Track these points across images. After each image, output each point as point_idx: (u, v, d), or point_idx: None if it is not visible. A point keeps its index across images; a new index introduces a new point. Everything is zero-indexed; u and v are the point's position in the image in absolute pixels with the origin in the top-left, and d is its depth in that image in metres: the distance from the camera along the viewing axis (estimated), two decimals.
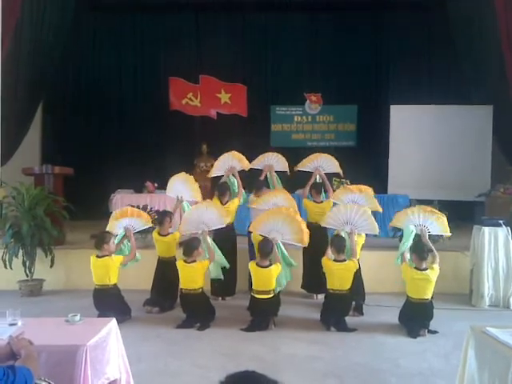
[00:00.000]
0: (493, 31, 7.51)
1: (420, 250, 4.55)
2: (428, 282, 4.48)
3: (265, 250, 4.70)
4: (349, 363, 3.86)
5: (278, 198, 5.55)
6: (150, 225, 5.42)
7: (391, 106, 9.34)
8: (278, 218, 4.96)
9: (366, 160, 9.75)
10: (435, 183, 8.83)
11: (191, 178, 5.94)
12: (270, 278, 4.66)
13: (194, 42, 10.70)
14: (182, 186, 5.80)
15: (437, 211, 5.05)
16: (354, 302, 5.04)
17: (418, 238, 4.80)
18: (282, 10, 10.45)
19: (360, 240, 5.19)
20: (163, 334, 4.49)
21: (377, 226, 5.10)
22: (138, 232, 6.25)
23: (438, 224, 4.93)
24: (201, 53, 10.53)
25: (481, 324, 2.85)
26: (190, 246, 4.74)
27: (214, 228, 5.18)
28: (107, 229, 5.15)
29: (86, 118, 10.39)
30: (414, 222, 4.90)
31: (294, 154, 7.40)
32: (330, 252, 4.76)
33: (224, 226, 5.26)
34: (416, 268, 4.53)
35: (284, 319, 4.86)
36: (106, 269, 4.75)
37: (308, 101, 10.54)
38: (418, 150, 9.17)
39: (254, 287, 4.73)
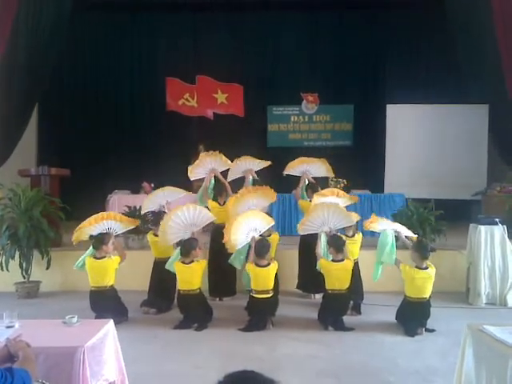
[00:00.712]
0: (489, 30, 7.53)
1: (423, 250, 4.56)
2: (429, 280, 4.50)
3: (261, 251, 4.69)
4: (347, 362, 3.87)
5: (255, 199, 5.48)
6: (134, 226, 5.41)
7: (387, 106, 9.36)
8: (248, 217, 5.02)
9: (363, 159, 9.78)
10: (431, 182, 8.86)
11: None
12: (268, 277, 4.66)
13: (191, 42, 10.68)
14: (167, 192, 5.77)
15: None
16: (351, 302, 5.05)
17: (420, 239, 4.82)
18: (278, 10, 10.44)
19: (358, 238, 5.21)
20: (160, 335, 4.49)
21: (352, 215, 5.13)
22: (134, 233, 6.29)
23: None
24: (197, 53, 10.52)
25: (478, 322, 2.87)
26: (187, 247, 4.74)
27: (202, 225, 5.16)
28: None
29: (82, 119, 10.35)
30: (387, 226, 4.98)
31: (291, 153, 7.41)
32: (328, 252, 4.78)
33: (211, 219, 5.24)
34: (417, 267, 4.53)
35: (282, 319, 4.86)
36: (105, 270, 4.74)
37: (305, 101, 10.56)
38: (414, 149, 9.19)
39: (252, 287, 4.72)
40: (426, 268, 4.52)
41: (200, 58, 10.42)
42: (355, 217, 5.22)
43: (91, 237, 4.93)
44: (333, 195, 5.55)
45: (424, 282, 4.50)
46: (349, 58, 10.54)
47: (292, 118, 10.66)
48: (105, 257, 4.76)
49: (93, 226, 5.02)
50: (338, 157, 6.54)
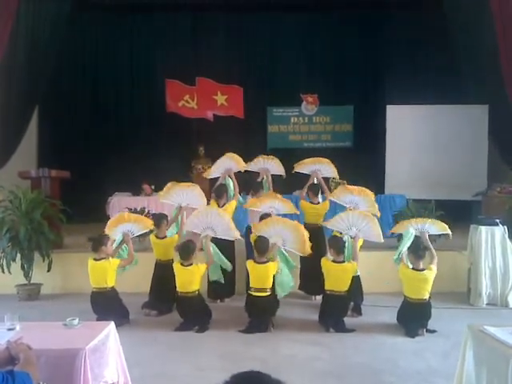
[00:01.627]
0: (489, 30, 7.54)
1: (417, 249, 4.60)
2: (425, 282, 4.50)
3: (261, 247, 4.71)
4: (348, 363, 3.87)
5: (275, 203, 5.57)
6: (150, 228, 5.38)
7: (387, 107, 9.36)
8: (283, 225, 4.99)
9: (363, 160, 9.76)
10: (432, 183, 8.85)
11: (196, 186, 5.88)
12: (266, 274, 4.66)
13: (190, 43, 10.69)
14: (185, 194, 5.68)
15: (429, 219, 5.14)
16: (352, 303, 5.05)
17: (416, 239, 4.82)
18: (277, 11, 10.46)
19: (359, 241, 5.22)
20: (162, 337, 4.49)
21: (381, 234, 5.07)
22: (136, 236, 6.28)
23: (435, 226, 4.99)
24: (197, 54, 10.51)
25: (479, 323, 2.87)
26: (186, 249, 4.74)
27: (220, 237, 5.11)
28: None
29: (82, 121, 10.36)
30: (413, 226, 4.93)
31: (291, 155, 7.43)
32: (329, 253, 4.78)
33: (232, 239, 5.22)
34: (413, 268, 4.55)
35: (283, 320, 4.86)
36: (104, 271, 4.74)
37: (304, 102, 10.56)
38: (414, 150, 9.19)
39: (251, 285, 4.73)
40: (423, 270, 4.52)
41: (200, 60, 10.42)
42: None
43: (90, 239, 4.93)
44: (359, 194, 5.57)
45: (420, 283, 4.50)
46: (348, 58, 10.54)
47: (292, 120, 10.65)
48: (104, 258, 4.76)
49: (112, 231, 5.06)
50: (338, 158, 6.54)
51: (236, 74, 10.58)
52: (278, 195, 5.86)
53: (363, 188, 5.70)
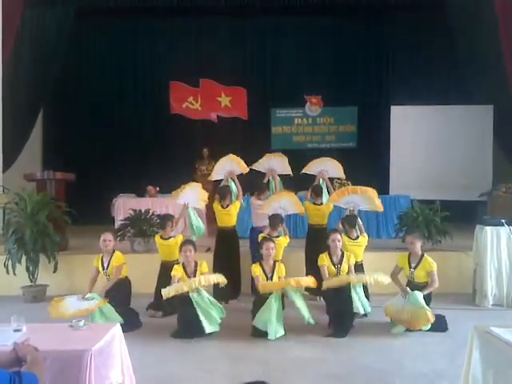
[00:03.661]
0: (493, 31, 7.52)
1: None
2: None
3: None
4: (353, 365, 3.87)
5: (282, 202, 5.68)
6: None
7: (391, 107, 9.35)
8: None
9: (367, 161, 9.76)
10: (437, 183, 8.83)
11: (200, 186, 6.07)
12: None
13: (194, 45, 10.72)
14: (191, 194, 5.82)
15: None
16: None
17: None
18: (281, 13, 10.46)
19: (362, 240, 5.22)
20: (166, 339, 4.49)
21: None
22: (140, 236, 6.33)
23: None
24: (201, 56, 10.54)
25: (485, 324, 2.85)
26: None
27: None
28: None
29: (87, 123, 10.41)
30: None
31: (295, 156, 7.42)
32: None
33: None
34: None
35: (287, 322, 4.84)
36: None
37: (308, 103, 10.56)
38: (419, 151, 9.18)
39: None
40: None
41: (203, 62, 10.44)
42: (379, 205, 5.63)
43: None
44: (355, 193, 5.63)
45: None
46: (352, 59, 10.54)
47: (296, 121, 10.66)
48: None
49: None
50: (342, 159, 6.53)
51: (240, 75, 10.60)
52: (286, 193, 5.93)
53: (360, 187, 5.68)
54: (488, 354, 2.65)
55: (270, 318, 4.42)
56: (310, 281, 4.70)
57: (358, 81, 10.57)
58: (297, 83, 10.53)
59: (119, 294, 4.86)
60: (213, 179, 6.41)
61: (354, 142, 10.54)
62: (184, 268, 4.76)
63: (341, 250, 4.92)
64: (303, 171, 6.30)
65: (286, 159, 6.39)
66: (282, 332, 4.48)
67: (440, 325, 4.59)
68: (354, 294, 4.65)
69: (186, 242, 4.92)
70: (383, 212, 7.89)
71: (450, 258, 6.07)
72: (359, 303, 4.68)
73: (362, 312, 4.72)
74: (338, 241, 4.85)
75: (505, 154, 8.76)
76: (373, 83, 10.75)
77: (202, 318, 4.44)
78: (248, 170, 6.23)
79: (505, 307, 5.48)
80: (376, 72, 10.76)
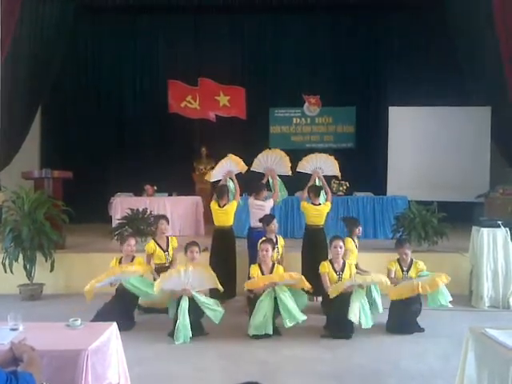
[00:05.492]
0: (491, 32, 7.54)
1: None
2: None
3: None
4: (349, 365, 3.88)
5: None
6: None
7: (389, 108, 9.36)
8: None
9: (365, 162, 9.78)
10: (434, 184, 8.84)
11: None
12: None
13: (193, 44, 10.71)
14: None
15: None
16: None
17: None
18: (280, 13, 10.47)
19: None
20: (162, 337, 4.49)
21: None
22: (139, 236, 6.32)
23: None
24: (199, 55, 10.53)
25: (480, 325, 2.87)
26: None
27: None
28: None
29: (85, 122, 10.39)
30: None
31: (294, 156, 7.38)
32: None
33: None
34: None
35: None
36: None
37: (307, 103, 10.56)
38: (416, 152, 9.18)
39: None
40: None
41: (202, 61, 10.43)
42: None
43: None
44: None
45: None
46: (350, 60, 10.54)
47: (294, 121, 10.66)
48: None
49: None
50: (340, 159, 6.52)
51: (238, 74, 10.60)
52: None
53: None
54: (483, 355, 2.66)
55: (265, 316, 4.43)
56: (296, 276, 4.63)
57: (357, 81, 10.57)
58: (295, 83, 10.53)
59: (129, 293, 4.84)
60: (211, 180, 6.37)
61: (352, 142, 10.54)
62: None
63: (342, 258, 4.91)
64: (297, 169, 6.25)
65: (286, 159, 6.31)
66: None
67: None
68: (354, 302, 4.48)
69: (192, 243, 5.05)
70: (380, 212, 7.96)
71: (447, 259, 6.08)
72: (357, 311, 4.47)
73: (357, 322, 4.48)
74: (340, 247, 4.84)
75: (502, 155, 8.78)
76: (371, 84, 10.77)
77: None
78: (246, 168, 6.20)
79: (500, 309, 5.49)
80: (374, 72, 10.77)
